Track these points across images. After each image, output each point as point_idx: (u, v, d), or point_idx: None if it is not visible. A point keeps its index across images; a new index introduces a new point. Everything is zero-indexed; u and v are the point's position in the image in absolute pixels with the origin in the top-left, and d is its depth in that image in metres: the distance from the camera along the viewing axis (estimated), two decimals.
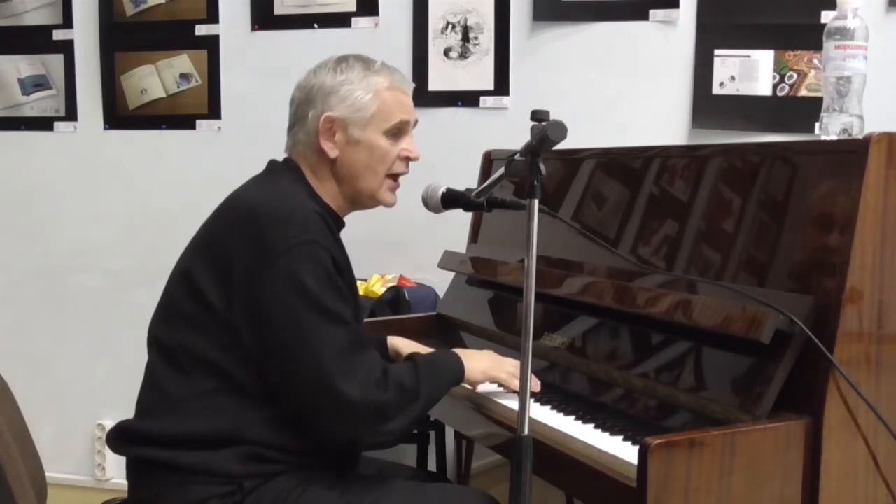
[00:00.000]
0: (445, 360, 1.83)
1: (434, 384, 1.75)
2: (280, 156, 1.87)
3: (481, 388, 1.91)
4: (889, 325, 1.55)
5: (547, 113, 1.46)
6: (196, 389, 1.68)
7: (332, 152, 1.78)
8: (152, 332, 1.78)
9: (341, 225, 1.84)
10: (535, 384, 1.87)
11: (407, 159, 1.84)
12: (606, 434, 1.63)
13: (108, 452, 3.08)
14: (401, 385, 1.67)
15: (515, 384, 1.85)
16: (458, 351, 1.90)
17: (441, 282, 2.64)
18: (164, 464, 1.67)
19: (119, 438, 1.76)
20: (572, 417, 1.73)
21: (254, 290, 1.63)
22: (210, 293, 1.67)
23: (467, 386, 1.88)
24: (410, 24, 2.95)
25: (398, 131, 1.82)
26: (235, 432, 1.66)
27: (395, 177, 1.84)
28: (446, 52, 2.92)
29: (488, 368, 1.86)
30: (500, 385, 1.91)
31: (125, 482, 1.78)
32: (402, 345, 2.08)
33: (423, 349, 2.03)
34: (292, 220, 1.65)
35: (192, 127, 3.18)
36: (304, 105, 1.81)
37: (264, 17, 3.08)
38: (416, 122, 1.87)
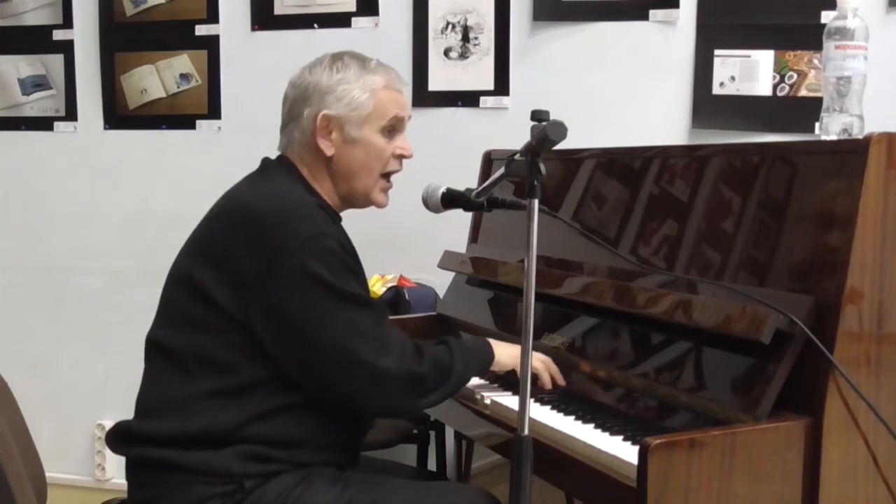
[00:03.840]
0: (477, 344, 1.88)
1: (465, 365, 1.79)
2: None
3: (479, 384, 1.91)
4: (889, 325, 1.55)
5: (547, 113, 1.46)
6: (197, 391, 1.67)
7: (329, 150, 1.79)
8: (152, 337, 1.78)
9: (338, 221, 1.84)
10: (559, 379, 1.91)
11: (401, 157, 1.86)
12: (606, 434, 1.63)
13: (108, 452, 3.07)
14: (435, 360, 1.72)
15: (545, 378, 1.89)
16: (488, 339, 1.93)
17: (441, 282, 2.63)
18: (165, 463, 1.67)
19: (118, 438, 1.76)
20: (572, 417, 1.73)
21: (269, 289, 1.64)
22: (217, 294, 1.67)
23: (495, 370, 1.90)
24: (410, 24, 2.95)
25: (393, 128, 1.83)
26: (236, 431, 1.65)
27: (388, 176, 1.86)
28: (446, 52, 2.92)
29: (517, 355, 1.84)
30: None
31: (125, 482, 1.78)
32: None
33: None
34: (297, 215, 1.66)
35: (192, 127, 3.18)
36: (299, 103, 1.81)
37: (264, 17, 3.08)
38: (409, 117, 1.88)
